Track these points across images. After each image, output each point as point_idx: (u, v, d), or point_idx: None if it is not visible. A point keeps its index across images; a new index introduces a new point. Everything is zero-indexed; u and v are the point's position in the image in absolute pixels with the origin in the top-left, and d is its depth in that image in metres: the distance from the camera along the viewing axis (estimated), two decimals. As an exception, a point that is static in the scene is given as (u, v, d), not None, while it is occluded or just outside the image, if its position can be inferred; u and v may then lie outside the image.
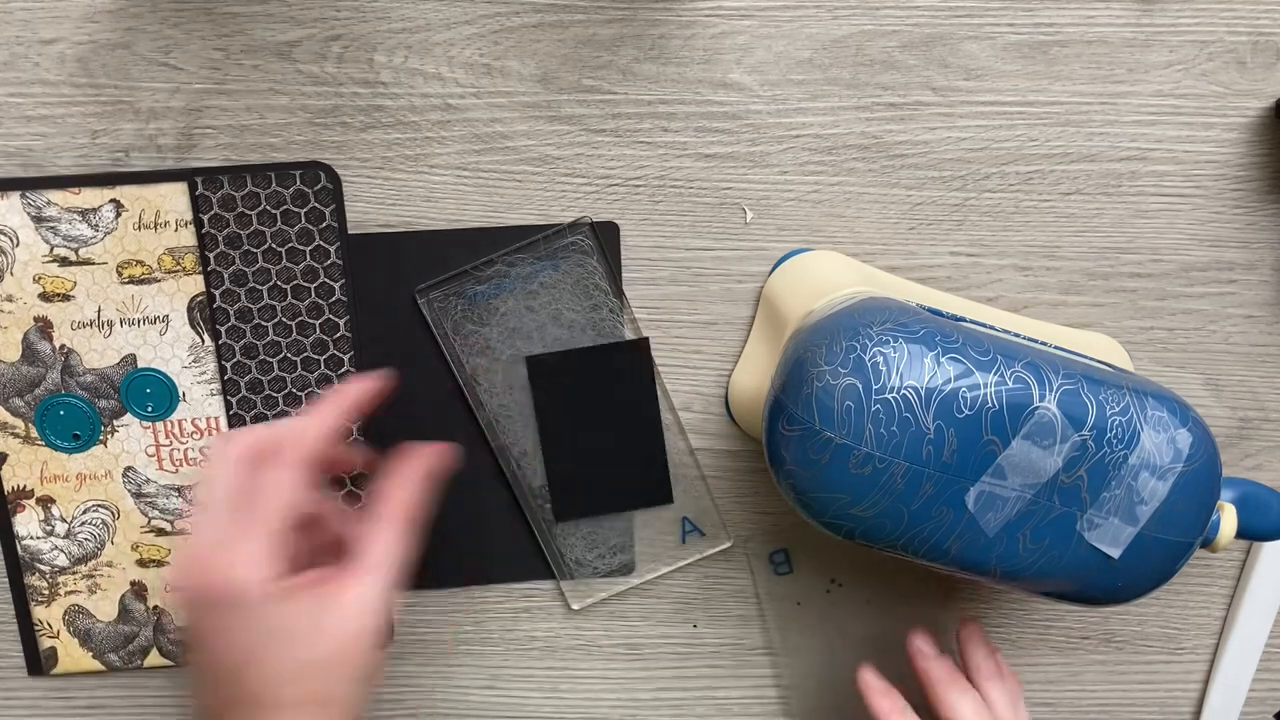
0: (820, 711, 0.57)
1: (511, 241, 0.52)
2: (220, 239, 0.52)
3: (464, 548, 0.55)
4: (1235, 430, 0.55)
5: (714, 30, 0.51)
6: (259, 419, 0.53)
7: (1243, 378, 0.55)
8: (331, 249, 0.52)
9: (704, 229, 0.53)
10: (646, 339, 0.53)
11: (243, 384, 0.53)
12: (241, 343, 0.53)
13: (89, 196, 0.51)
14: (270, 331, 0.53)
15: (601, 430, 0.54)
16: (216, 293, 0.52)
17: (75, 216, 0.51)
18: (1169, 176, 0.53)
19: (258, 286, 0.52)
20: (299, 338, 0.53)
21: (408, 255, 0.52)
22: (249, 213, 0.52)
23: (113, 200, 0.51)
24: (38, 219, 0.51)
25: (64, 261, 0.51)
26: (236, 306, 0.52)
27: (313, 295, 0.53)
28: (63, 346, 0.52)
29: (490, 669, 0.57)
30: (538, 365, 0.53)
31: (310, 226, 0.52)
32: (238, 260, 0.52)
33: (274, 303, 0.52)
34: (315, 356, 0.53)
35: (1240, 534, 0.46)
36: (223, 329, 0.53)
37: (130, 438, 0.53)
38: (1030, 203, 0.53)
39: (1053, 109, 0.52)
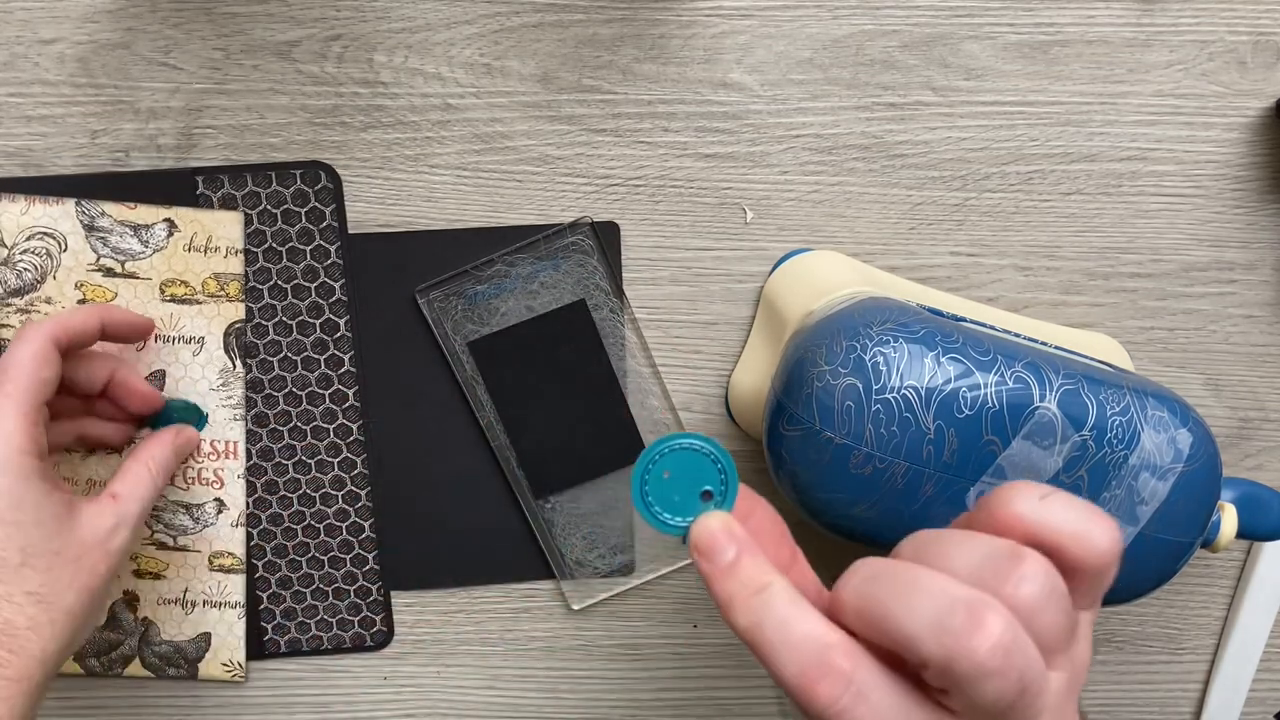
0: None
1: (512, 241, 0.52)
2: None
3: (464, 548, 0.55)
4: (1236, 430, 0.55)
5: (714, 30, 0.51)
6: (259, 419, 0.53)
7: (1243, 378, 0.55)
8: (332, 249, 0.52)
9: (704, 229, 0.53)
10: (582, 299, 0.53)
11: (244, 380, 0.53)
12: (241, 342, 0.53)
13: (144, 213, 0.51)
14: (270, 331, 0.53)
15: (560, 399, 0.53)
16: (217, 293, 0.52)
17: (127, 230, 0.51)
18: (1169, 176, 0.53)
19: (258, 286, 0.52)
20: (299, 337, 0.53)
21: (408, 255, 0.52)
22: (249, 212, 0.52)
23: (167, 219, 0.51)
24: (89, 228, 0.51)
25: (108, 272, 0.51)
26: (236, 306, 0.53)
27: (313, 295, 0.53)
28: None
29: (490, 669, 0.57)
30: (480, 348, 0.53)
31: (310, 226, 0.52)
32: (238, 260, 0.52)
33: (274, 302, 0.52)
34: (315, 356, 0.53)
35: (1241, 534, 0.46)
36: (223, 329, 0.53)
37: None
38: (1030, 203, 0.53)
39: (1053, 109, 0.52)
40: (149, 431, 0.52)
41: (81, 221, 0.51)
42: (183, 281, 0.52)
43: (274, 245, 0.52)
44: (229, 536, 0.54)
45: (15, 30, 0.50)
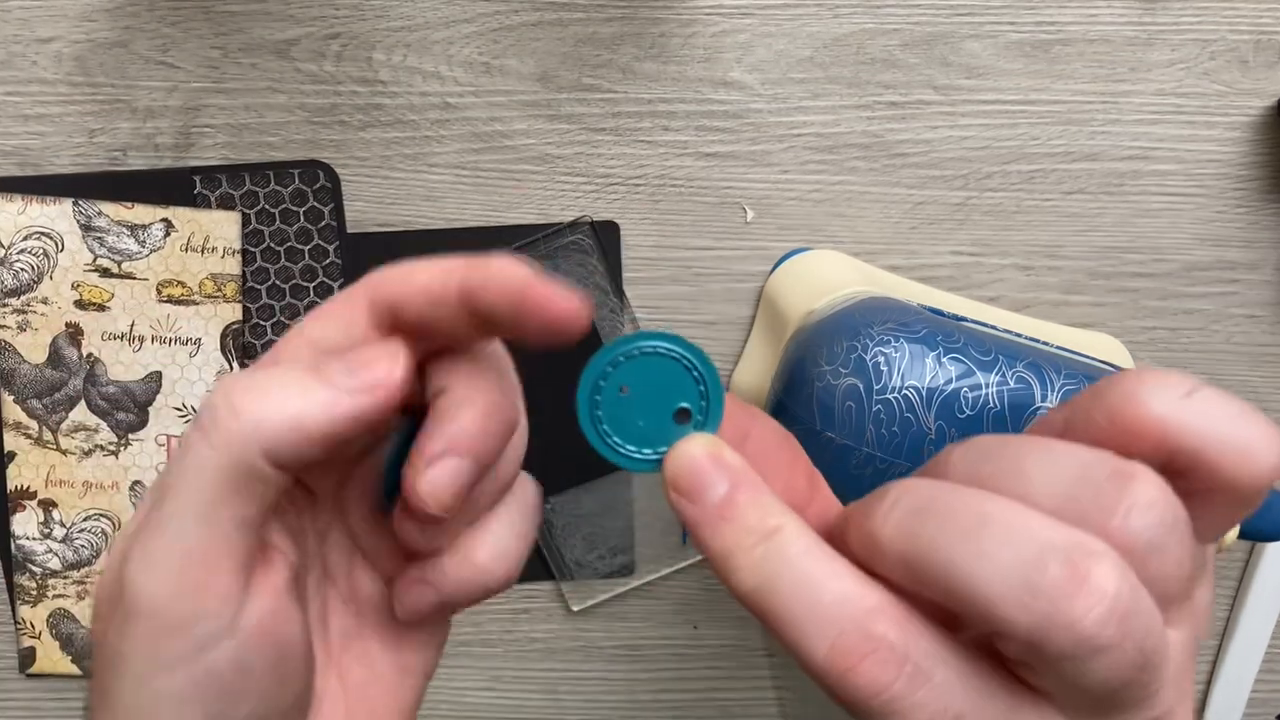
0: (817, 715, 0.57)
1: (511, 241, 0.52)
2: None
3: (463, 548, 0.55)
4: (1238, 430, 0.55)
5: (714, 29, 0.51)
6: (257, 419, 0.53)
7: (1245, 378, 0.55)
8: (330, 248, 0.52)
9: (704, 228, 0.53)
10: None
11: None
12: (240, 342, 0.53)
13: (141, 213, 0.51)
14: (268, 331, 0.53)
15: (560, 400, 0.53)
16: (215, 292, 0.52)
17: (124, 230, 0.51)
18: (1171, 176, 0.53)
19: (255, 286, 0.52)
20: (297, 337, 0.53)
21: (407, 254, 0.52)
22: (247, 212, 0.51)
23: (164, 219, 0.51)
24: (86, 227, 0.51)
25: (105, 272, 0.51)
26: (235, 306, 0.52)
27: (311, 295, 0.52)
28: (90, 355, 0.52)
29: (489, 670, 0.56)
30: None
31: (309, 226, 0.52)
32: (236, 260, 0.52)
33: (272, 302, 0.52)
34: (314, 356, 0.53)
35: (1243, 534, 0.45)
36: (221, 329, 0.53)
37: (143, 453, 0.53)
38: (1032, 202, 0.53)
39: (1055, 108, 0.52)
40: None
41: (78, 221, 0.51)
42: (179, 282, 0.52)
43: (272, 245, 0.52)
44: None
45: (12, 29, 0.50)
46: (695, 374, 0.24)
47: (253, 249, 0.52)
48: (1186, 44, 0.52)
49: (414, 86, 0.51)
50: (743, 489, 0.23)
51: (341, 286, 0.52)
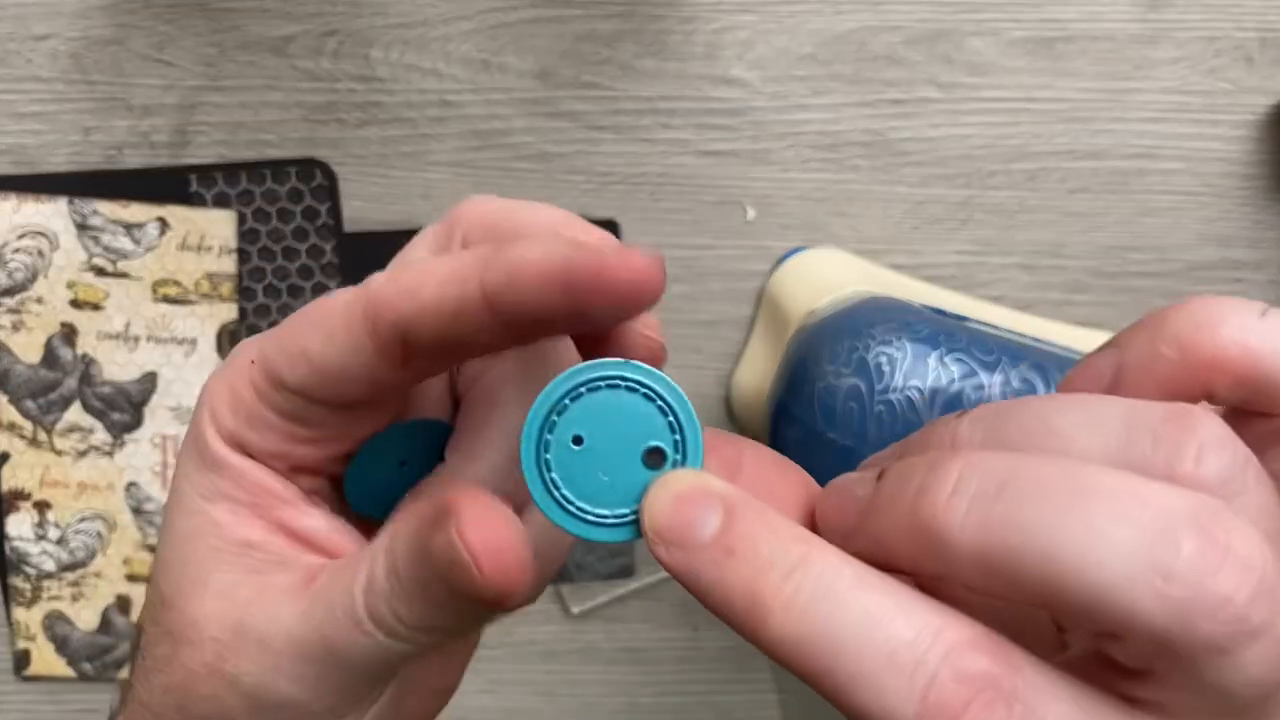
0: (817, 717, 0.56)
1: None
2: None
3: (462, 550, 0.55)
4: (1243, 431, 0.55)
5: (715, 25, 0.51)
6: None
7: (1251, 378, 0.54)
8: (327, 247, 0.52)
9: (705, 227, 0.52)
10: None
11: (237, 384, 0.53)
12: (237, 342, 0.52)
13: (136, 211, 0.51)
14: (264, 331, 0.52)
15: None
16: (211, 292, 0.52)
17: (119, 229, 0.51)
18: (1176, 174, 0.53)
19: (252, 286, 0.52)
20: (294, 337, 0.52)
21: (405, 254, 0.52)
22: (243, 210, 0.51)
23: (159, 218, 0.51)
24: (81, 226, 0.51)
25: (100, 272, 0.51)
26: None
27: (308, 294, 0.52)
28: (85, 355, 0.52)
29: (488, 673, 0.56)
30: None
31: (305, 224, 0.51)
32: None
33: (269, 302, 0.52)
34: (311, 356, 0.53)
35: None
36: (217, 328, 0.52)
37: (138, 453, 0.53)
38: (1036, 200, 0.52)
39: (1058, 106, 0.52)
40: None
41: (73, 220, 0.51)
42: (175, 281, 0.51)
43: (269, 244, 0.52)
44: None
45: (8, 26, 0.50)
46: (660, 404, 0.20)
47: (249, 248, 0.51)
48: (1191, 41, 0.51)
49: (412, 84, 0.51)
50: (742, 513, 0.18)
51: (339, 285, 0.52)
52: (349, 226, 0.52)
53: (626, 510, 0.19)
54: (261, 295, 0.52)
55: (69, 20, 0.50)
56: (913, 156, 0.52)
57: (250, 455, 0.22)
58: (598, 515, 0.20)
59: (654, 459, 0.20)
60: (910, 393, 0.40)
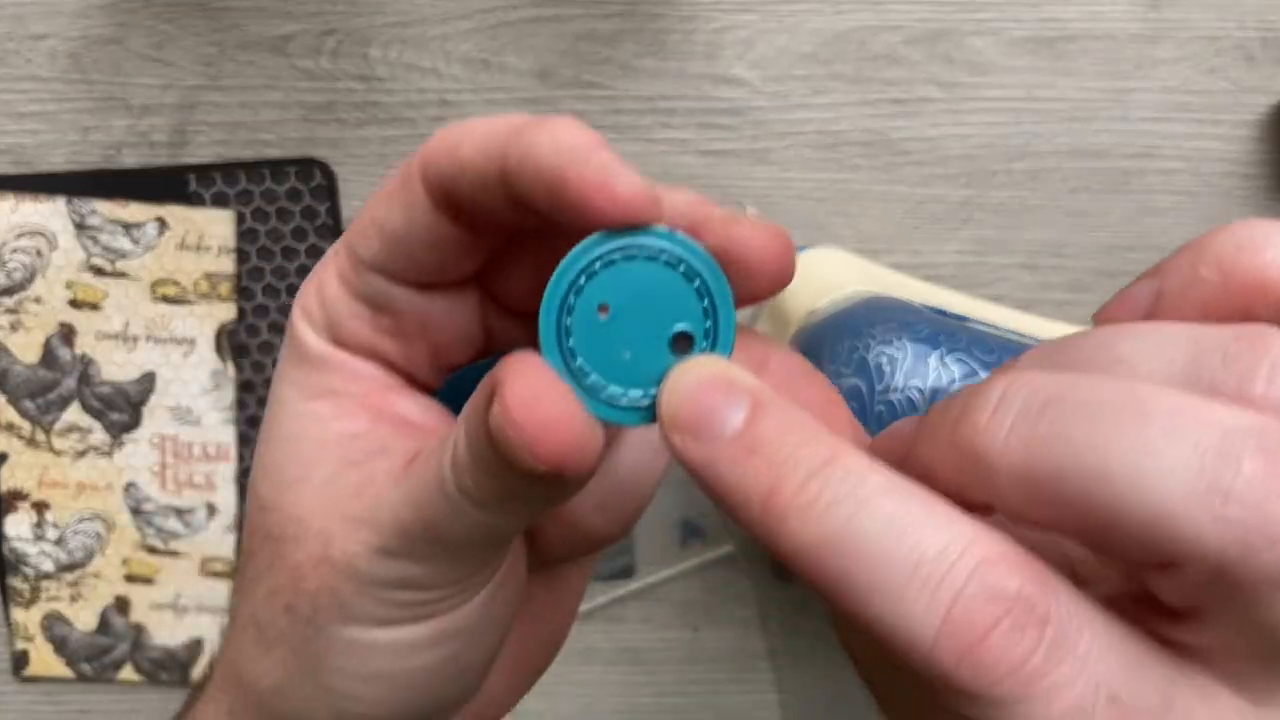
0: (817, 716, 0.56)
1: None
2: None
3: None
4: (1244, 431, 0.55)
5: (715, 25, 0.50)
6: (252, 421, 0.53)
7: (1252, 378, 0.54)
8: (326, 247, 0.52)
9: (705, 227, 0.52)
10: None
11: (236, 383, 0.53)
12: (235, 342, 0.52)
13: (135, 211, 0.51)
14: (263, 331, 0.52)
15: None
16: (210, 291, 0.52)
17: (118, 229, 0.50)
18: (1177, 173, 0.52)
19: (251, 285, 0.52)
20: (294, 337, 0.52)
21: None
22: (242, 210, 0.51)
23: (158, 218, 0.51)
24: (80, 226, 0.50)
25: (99, 271, 0.51)
26: (230, 305, 0.52)
27: (308, 294, 0.52)
28: (83, 355, 0.52)
29: (488, 674, 0.56)
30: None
31: (304, 224, 0.51)
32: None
33: (267, 302, 0.52)
34: (310, 356, 0.53)
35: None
36: (216, 328, 0.52)
37: (137, 454, 0.53)
38: (1037, 200, 0.52)
39: (1059, 105, 0.51)
40: None
41: (72, 220, 0.51)
42: (174, 281, 0.51)
43: (267, 244, 0.51)
44: (220, 541, 0.53)
45: (6, 25, 0.50)
46: (699, 285, 0.18)
47: (248, 248, 0.51)
48: (1192, 41, 0.51)
49: (411, 83, 0.51)
50: (770, 411, 0.17)
51: (338, 285, 0.52)
52: (348, 226, 0.52)
53: (642, 394, 0.18)
54: (260, 295, 0.52)
55: (68, 20, 0.50)
56: (913, 156, 0.52)
57: (346, 348, 0.22)
58: (609, 394, 0.18)
59: (681, 344, 0.19)
60: (911, 393, 0.40)
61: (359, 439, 0.22)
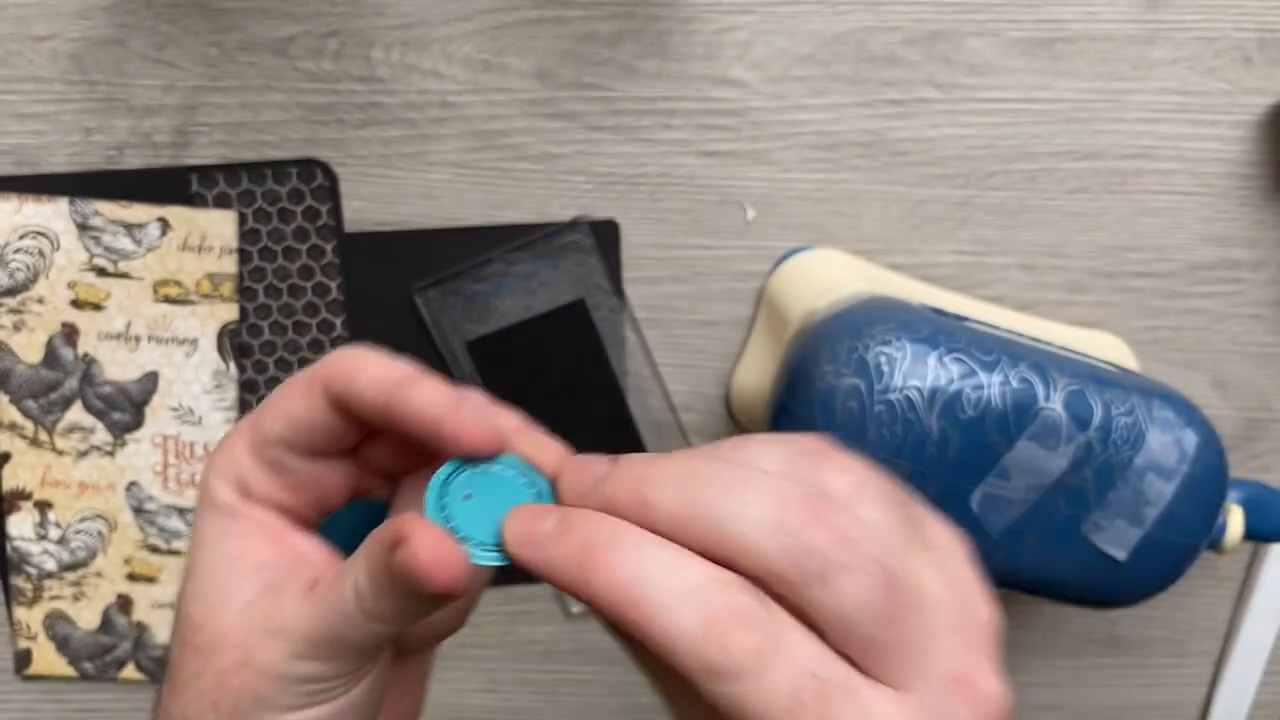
0: None
1: (510, 240, 0.52)
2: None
3: (462, 549, 0.55)
4: (1242, 431, 0.55)
5: (715, 26, 0.51)
6: (255, 419, 0.53)
7: (1250, 378, 0.54)
8: (328, 247, 0.52)
9: (705, 227, 0.52)
10: (581, 299, 0.52)
11: (238, 382, 0.53)
12: (237, 343, 0.52)
13: (138, 212, 0.51)
14: (265, 331, 0.52)
15: (559, 400, 0.53)
16: (212, 292, 0.52)
17: (120, 229, 0.51)
18: (1175, 174, 0.53)
19: (253, 285, 0.52)
20: (295, 337, 0.52)
21: (405, 253, 0.52)
22: (244, 211, 0.51)
23: (160, 218, 0.51)
24: (82, 227, 0.51)
25: (101, 272, 0.51)
26: (232, 306, 0.52)
27: (309, 294, 0.52)
28: (86, 355, 0.52)
29: (488, 673, 0.56)
30: (478, 347, 0.52)
31: (306, 225, 0.52)
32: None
33: (269, 302, 0.52)
34: (311, 356, 0.53)
35: (1248, 536, 0.45)
36: (218, 328, 0.52)
37: (139, 453, 0.53)
38: (1035, 200, 0.53)
39: (1057, 106, 0.52)
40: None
41: (74, 220, 0.51)
42: (176, 282, 0.51)
43: (269, 244, 0.52)
44: None
45: (8, 26, 0.50)
46: (526, 478, 0.28)
47: (250, 248, 0.52)
48: (1190, 42, 0.51)
49: (412, 84, 0.51)
50: (571, 512, 0.26)
51: (340, 286, 0.52)
52: (350, 227, 0.52)
53: (495, 545, 0.27)
54: (263, 295, 0.52)
55: (69, 21, 0.50)
56: (912, 156, 0.52)
57: (253, 500, 0.30)
58: (481, 547, 0.27)
59: None
60: (910, 392, 0.40)
61: (268, 569, 0.29)
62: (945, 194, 0.52)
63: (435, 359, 0.53)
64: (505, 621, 0.56)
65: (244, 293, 0.52)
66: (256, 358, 0.52)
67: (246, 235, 0.51)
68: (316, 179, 0.51)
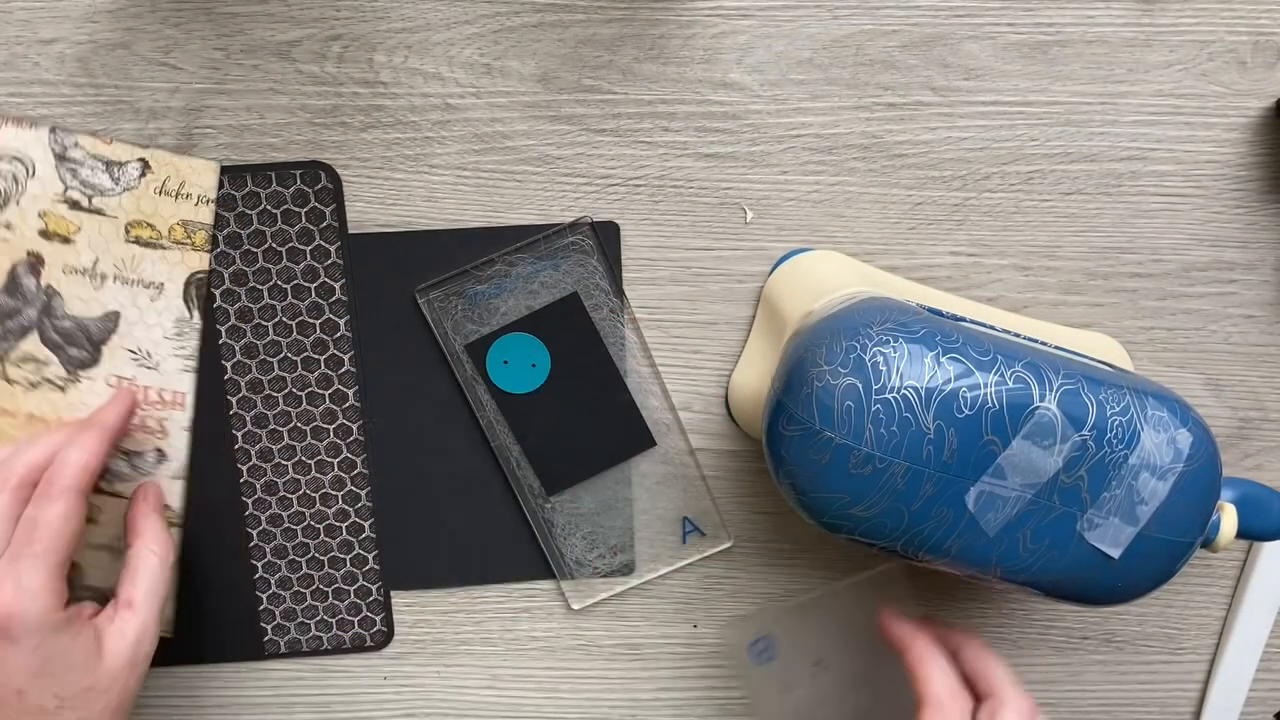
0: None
1: (512, 241, 0.52)
2: (220, 239, 0.52)
3: (464, 548, 0.55)
4: (1235, 430, 0.55)
5: (714, 30, 0.51)
6: (259, 420, 0.53)
7: (1243, 378, 0.55)
8: (332, 249, 0.52)
9: (704, 229, 0.53)
10: (575, 292, 0.53)
11: (243, 383, 0.53)
12: (242, 342, 0.53)
13: (119, 149, 0.50)
14: (270, 331, 0.53)
15: (561, 393, 0.53)
16: (216, 292, 0.52)
17: (99, 165, 0.50)
18: (1169, 176, 0.53)
19: (258, 286, 0.52)
20: (299, 337, 0.53)
21: (408, 255, 0.52)
22: (249, 212, 0.52)
23: (141, 159, 0.50)
24: (60, 157, 0.50)
25: (74, 205, 0.50)
26: (237, 306, 0.52)
27: (313, 295, 0.52)
28: (48, 287, 0.51)
29: (490, 669, 0.57)
30: (480, 347, 0.52)
31: (310, 226, 0.52)
32: (238, 260, 0.52)
33: (274, 302, 0.52)
34: (315, 356, 0.53)
35: (1240, 534, 0.46)
36: (223, 328, 0.52)
37: (92, 391, 0.52)
38: (1031, 202, 0.53)
39: (1053, 109, 0.52)
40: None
41: (53, 150, 0.50)
42: (149, 224, 0.51)
43: (274, 245, 0.52)
44: (167, 489, 0.53)
45: (15, 30, 0.50)
46: None
47: (254, 249, 0.52)
48: (1184, 45, 0.52)
49: (415, 88, 0.51)
50: None
51: (343, 287, 0.52)
52: (353, 228, 0.52)
53: None
54: (267, 296, 0.52)
55: (76, 24, 0.50)
56: (909, 159, 0.52)
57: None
58: None
59: None
60: (907, 392, 0.40)
61: None
62: (942, 196, 0.53)
63: (436, 359, 0.53)
64: (507, 618, 0.56)
65: (248, 293, 0.52)
66: (262, 357, 0.53)
67: (251, 236, 0.52)
68: (320, 181, 0.52)
